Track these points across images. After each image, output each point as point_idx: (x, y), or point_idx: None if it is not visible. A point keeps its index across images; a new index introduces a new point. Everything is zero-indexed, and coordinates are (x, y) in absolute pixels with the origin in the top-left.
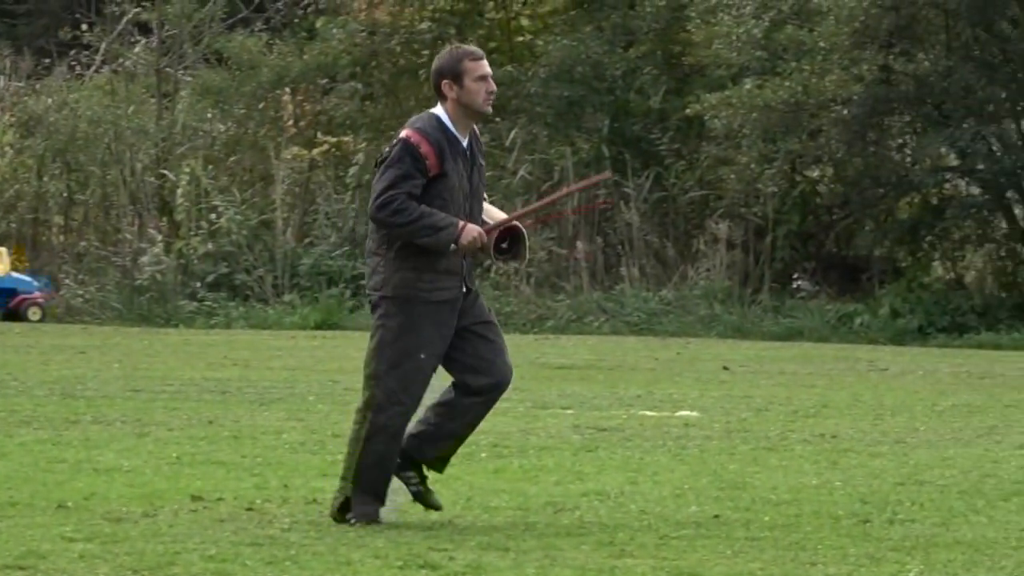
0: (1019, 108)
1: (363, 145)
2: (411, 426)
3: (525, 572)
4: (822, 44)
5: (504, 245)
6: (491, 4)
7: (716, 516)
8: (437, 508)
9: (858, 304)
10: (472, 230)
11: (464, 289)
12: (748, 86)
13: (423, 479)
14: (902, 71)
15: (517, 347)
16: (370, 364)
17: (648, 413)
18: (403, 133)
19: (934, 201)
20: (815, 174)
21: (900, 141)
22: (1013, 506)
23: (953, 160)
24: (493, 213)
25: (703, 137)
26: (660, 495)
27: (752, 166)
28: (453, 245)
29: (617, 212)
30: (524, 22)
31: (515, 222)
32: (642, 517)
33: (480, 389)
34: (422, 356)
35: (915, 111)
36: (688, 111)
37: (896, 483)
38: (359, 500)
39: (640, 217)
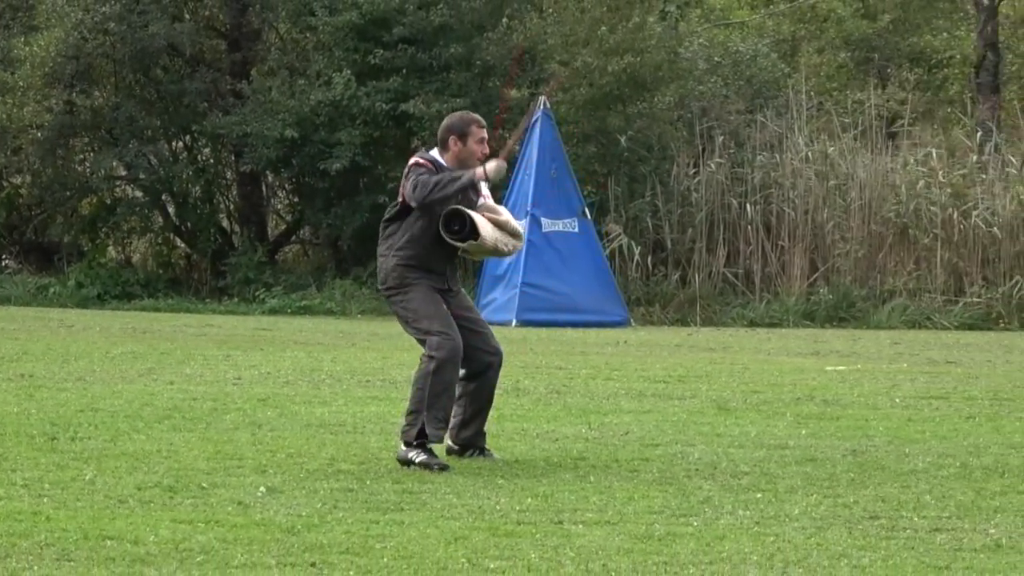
0: (170, 133)
1: None
2: (453, 424)
3: None
4: (21, 83)
5: (456, 228)
6: None
7: None
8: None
9: (52, 278)
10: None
11: (446, 287)
12: None
13: (482, 449)
14: (83, 104)
15: None
16: (418, 327)
17: None
18: (413, 160)
19: (108, 201)
20: (18, 181)
21: (82, 157)
22: (165, 427)
23: (122, 171)
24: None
25: None
26: None
27: None
28: (477, 172)
29: None
30: None
31: (467, 210)
32: None
33: (473, 374)
34: (440, 300)
35: (93, 135)
36: None
37: (78, 410)
38: (433, 426)
39: None
